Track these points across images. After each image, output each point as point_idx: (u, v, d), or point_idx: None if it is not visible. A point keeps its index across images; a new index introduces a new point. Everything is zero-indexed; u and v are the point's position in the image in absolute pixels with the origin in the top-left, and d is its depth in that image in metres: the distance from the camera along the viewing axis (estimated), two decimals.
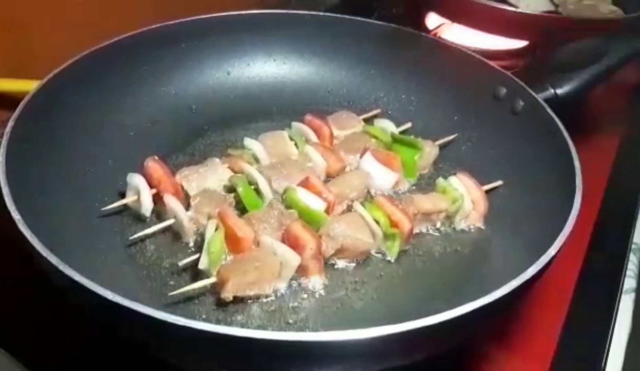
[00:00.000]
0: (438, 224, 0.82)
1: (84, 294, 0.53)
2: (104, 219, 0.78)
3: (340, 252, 0.74)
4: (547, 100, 0.89)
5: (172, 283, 0.71)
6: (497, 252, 0.78)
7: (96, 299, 0.52)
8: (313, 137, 0.91)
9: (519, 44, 1.27)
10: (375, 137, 0.93)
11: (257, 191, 0.80)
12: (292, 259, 0.70)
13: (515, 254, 0.74)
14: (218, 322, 0.67)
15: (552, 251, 0.62)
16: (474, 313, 0.54)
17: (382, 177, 0.86)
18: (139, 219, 0.79)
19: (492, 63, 0.97)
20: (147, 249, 0.76)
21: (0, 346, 0.69)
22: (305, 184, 0.80)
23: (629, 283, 0.90)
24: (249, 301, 0.69)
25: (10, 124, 0.74)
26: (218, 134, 0.95)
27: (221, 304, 0.68)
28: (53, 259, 0.55)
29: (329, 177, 0.87)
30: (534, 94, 0.89)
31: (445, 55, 1.02)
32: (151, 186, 0.79)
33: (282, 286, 0.71)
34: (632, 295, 0.90)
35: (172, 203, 0.76)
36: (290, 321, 0.68)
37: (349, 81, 1.06)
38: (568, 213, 0.68)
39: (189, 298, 0.69)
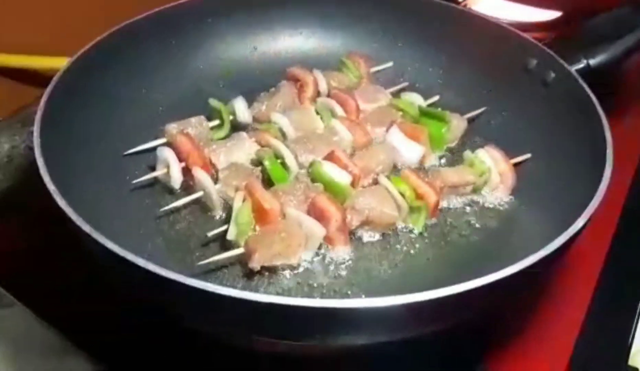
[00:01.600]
0: (465, 198, 0.82)
1: (117, 263, 0.55)
2: (134, 191, 0.80)
3: (365, 224, 0.75)
4: (579, 71, 0.87)
5: (200, 253, 0.73)
6: (525, 225, 0.77)
7: (128, 268, 0.54)
8: (339, 111, 0.91)
9: (551, 15, 1.24)
10: (402, 110, 0.92)
11: (284, 164, 0.81)
12: (318, 231, 0.71)
13: (544, 227, 0.73)
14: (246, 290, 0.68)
15: (580, 222, 0.61)
16: (501, 282, 0.54)
17: (409, 150, 0.85)
18: (169, 192, 0.81)
19: (523, 34, 0.95)
20: (176, 221, 0.77)
21: (37, 313, 0.73)
22: (330, 157, 0.80)
23: None
24: (277, 271, 0.70)
25: (44, 99, 0.76)
26: None
27: (249, 274, 0.70)
28: (86, 227, 0.57)
29: (355, 150, 0.87)
30: (566, 65, 0.87)
31: (473, 27, 1.00)
32: (180, 159, 0.80)
33: (308, 257, 0.72)
34: None
35: (201, 175, 0.77)
36: (317, 290, 0.69)
37: (376, 53, 1.05)
38: (597, 184, 0.67)
39: (217, 268, 0.71)
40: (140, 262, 0.53)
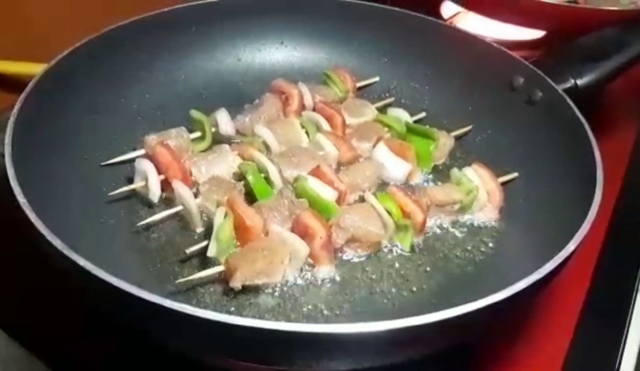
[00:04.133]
0: (452, 217, 0.80)
1: (87, 280, 0.52)
2: (111, 204, 0.76)
3: (350, 242, 0.72)
4: (567, 91, 0.86)
5: (179, 270, 0.70)
6: (513, 247, 0.76)
7: (98, 285, 0.51)
8: (325, 125, 0.89)
9: (535, 34, 1.24)
10: (389, 126, 0.91)
11: (267, 179, 0.79)
12: (301, 248, 0.68)
13: (532, 249, 0.72)
14: (225, 311, 0.65)
15: (571, 246, 0.60)
16: (487, 308, 0.52)
17: (396, 167, 0.84)
18: (147, 205, 0.77)
19: (509, 51, 0.94)
20: (154, 235, 0.74)
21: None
22: (316, 173, 0.78)
23: None
24: (258, 290, 0.68)
25: (17, 106, 0.72)
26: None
27: (229, 293, 0.67)
28: (57, 242, 0.54)
29: (340, 166, 0.85)
30: (553, 84, 0.87)
31: (460, 44, 1.00)
32: (159, 171, 0.77)
33: (291, 275, 0.69)
34: None
35: (181, 189, 0.74)
36: (299, 310, 0.67)
37: (361, 68, 1.04)
38: (587, 207, 0.65)
39: (196, 286, 0.68)
40: (113, 281, 0.50)
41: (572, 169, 0.77)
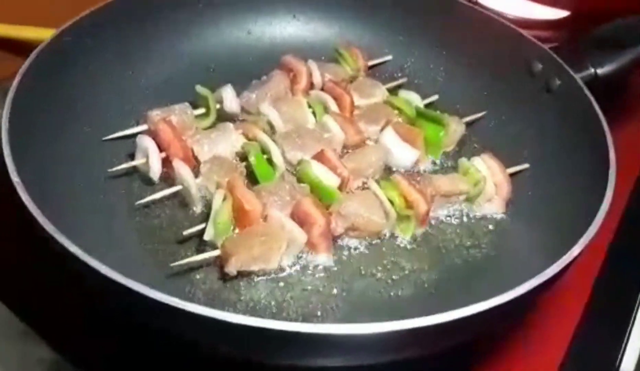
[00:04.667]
0: (457, 208, 0.78)
1: (80, 266, 0.51)
2: (111, 180, 0.75)
3: (350, 231, 0.71)
4: (585, 80, 0.83)
5: (176, 251, 0.69)
6: (518, 242, 0.74)
7: (89, 272, 0.50)
8: (333, 106, 0.87)
9: (558, 14, 1.20)
10: (399, 109, 0.88)
11: (270, 160, 0.77)
12: (299, 236, 0.67)
13: (536, 247, 0.70)
14: (219, 296, 0.65)
15: (575, 250, 0.58)
16: (485, 312, 0.51)
17: (403, 153, 0.81)
18: (147, 183, 0.77)
19: (529, 36, 0.90)
20: (153, 214, 0.73)
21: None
22: (320, 157, 0.76)
23: None
24: (254, 276, 0.67)
25: (19, 75, 0.72)
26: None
27: (224, 277, 0.66)
28: (49, 227, 0.53)
29: (346, 149, 0.83)
30: (572, 72, 0.83)
31: (479, 24, 0.96)
32: (161, 149, 0.76)
33: (288, 262, 0.69)
34: None
35: (181, 168, 0.73)
36: (294, 301, 0.66)
37: (375, 46, 1.00)
38: (596, 209, 0.63)
39: (193, 268, 0.68)
40: (104, 270, 0.49)
41: (585, 165, 0.74)
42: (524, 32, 0.90)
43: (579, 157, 0.76)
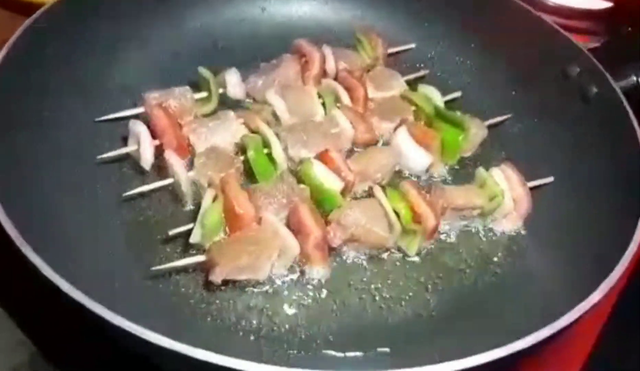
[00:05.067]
0: (470, 221, 0.72)
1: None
2: (102, 166, 0.71)
3: (349, 242, 0.66)
4: (626, 90, 0.75)
5: (162, 250, 0.65)
6: (531, 267, 0.68)
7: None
8: (345, 98, 0.80)
9: (600, 4, 1.10)
10: (417, 105, 0.81)
11: (270, 156, 0.71)
12: (292, 246, 0.62)
13: (552, 277, 0.64)
14: (199, 307, 0.60)
15: (595, 297, 0.51)
16: (486, 365, 0.45)
17: (416, 158, 0.75)
18: (140, 171, 0.72)
19: (568, 35, 0.82)
20: (142, 206, 0.69)
21: None
22: (323, 157, 0.70)
23: None
24: (242, 285, 0.62)
25: (4, 51, 0.67)
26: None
27: (210, 285, 0.61)
28: (20, 241, 0.49)
29: (355, 147, 0.77)
30: (611, 80, 0.75)
31: (515, 17, 0.88)
32: (154, 136, 0.71)
33: (280, 273, 0.63)
34: None
35: (173, 160, 0.68)
36: (282, 317, 0.61)
37: (397, 31, 0.93)
38: (624, 244, 0.56)
39: (179, 270, 0.63)
40: (76, 295, 0.45)
41: (615, 189, 0.67)
42: (563, 31, 0.82)
43: (609, 177, 0.69)
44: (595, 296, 0.51)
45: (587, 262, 0.60)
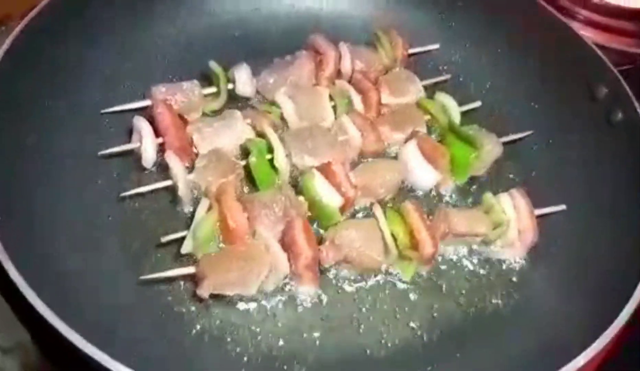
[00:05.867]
0: (472, 247, 0.69)
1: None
2: (105, 160, 0.70)
3: (342, 263, 0.65)
4: None
5: (154, 255, 0.65)
6: (531, 300, 0.66)
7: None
8: (357, 102, 0.78)
9: None
10: (432, 115, 0.78)
11: (273, 162, 0.70)
12: (282, 266, 0.61)
13: (552, 316, 0.62)
14: (183, 321, 0.60)
15: (600, 343, 0.49)
16: None
17: (423, 174, 0.72)
18: (141, 169, 0.71)
19: (601, 54, 0.77)
20: (139, 206, 0.68)
21: None
22: (326, 170, 0.68)
23: None
24: (231, 300, 0.62)
25: (19, 27, 0.67)
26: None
27: (198, 298, 0.61)
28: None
29: (362, 157, 0.75)
30: (638, 107, 0.71)
31: (549, 27, 0.82)
32: (157, 134, 0.70)
33: (269, 290, 0.63)
34: None
35: (173, 162, 0.67)
36: (265, 336, 0.61)
37: (421, 30, 0.88)
38: (629, 290, 0.54)
39: (170, 278, 0.63)
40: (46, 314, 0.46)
41: (631, 226, 0.64)
42: (597, 49, 0.77)
43: (629, 212, 0.66)
44: (600, 342, 0.49)
45: (593, 304, 0.58)
